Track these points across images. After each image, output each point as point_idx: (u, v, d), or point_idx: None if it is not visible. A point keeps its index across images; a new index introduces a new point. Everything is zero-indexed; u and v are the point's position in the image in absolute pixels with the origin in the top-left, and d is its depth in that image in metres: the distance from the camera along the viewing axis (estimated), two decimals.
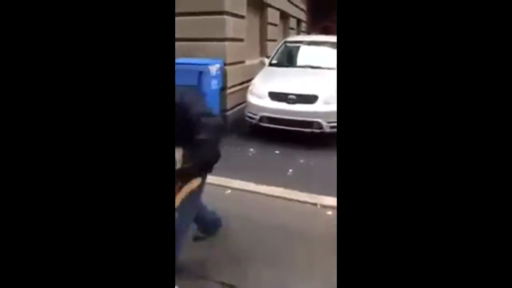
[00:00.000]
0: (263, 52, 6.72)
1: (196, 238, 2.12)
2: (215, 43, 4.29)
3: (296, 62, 4.93)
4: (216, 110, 4.22)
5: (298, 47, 5.20)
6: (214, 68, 3.95)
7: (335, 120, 3.45)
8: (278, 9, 7.26)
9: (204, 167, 1.62)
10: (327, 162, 3.13)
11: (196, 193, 1.69)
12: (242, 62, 5.08)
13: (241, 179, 2.90)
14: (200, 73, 3.75)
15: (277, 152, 3.74)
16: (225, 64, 4.33)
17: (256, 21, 6.37)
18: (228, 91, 4.61)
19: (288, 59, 5.09)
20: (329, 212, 2.38)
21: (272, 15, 6.92)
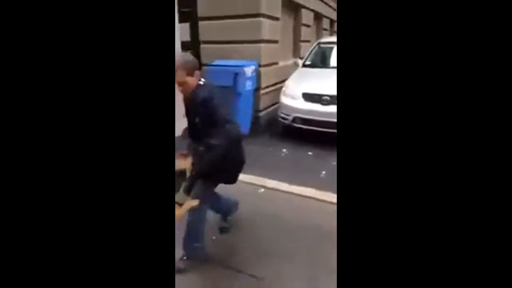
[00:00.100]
0: (297, 53, 6.72)
1: (221, 230, 2.19)
2: (250, 45, 4.38)
3: (329, 63, 4.89)
4: (249, 110, 4.33)
5: (331, 48, 5.15)
6: (249, 70, 4.04)
7: None
8: (312, 10, 7.22)
9: (205, 171, 1.55)
10: None
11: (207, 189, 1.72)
12: (276, 63, 5.14)
13: (274, 178, 2.95)
14: (236, 74, 3.84)
15: (310, 153, 3.75)
16: (259, 66, 4.41)
17: (290, 22, 6.39)
18: (262, 91, 4.69)
19: (321, 60, 5.06)
20: None
21: (306, 16, 6.89)
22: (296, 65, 5.17)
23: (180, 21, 2.97)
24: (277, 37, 5.03)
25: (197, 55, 4.43)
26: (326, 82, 4.05)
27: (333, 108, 3.78)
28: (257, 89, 4.48)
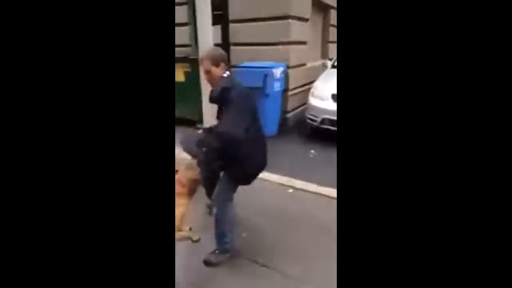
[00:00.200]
0: (325, 54, 6.67)
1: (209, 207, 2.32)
2: (280, 46, 4.41)
3: None
4: (278, 111, 4.36)
5: None
6: (278, 71, 4.08)
7: None
8: None
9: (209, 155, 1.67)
10: None
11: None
12: (304, 64, 5.13)
13: (303, 179, 2.97)
14: (265, 75, 3.89)
15: None
16: (287, 67, 4.43)
17: (319, 23, 6.36)
18: (290, 93, 4.70)
19: None
20: None
21: (335, 17, 6.82)
22: (324, 66, 5.13)
23: (213, 24, 3.06)
24: (305, 38, 5.02)
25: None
26: None
27: None
28: (285, 90, 4.50)
